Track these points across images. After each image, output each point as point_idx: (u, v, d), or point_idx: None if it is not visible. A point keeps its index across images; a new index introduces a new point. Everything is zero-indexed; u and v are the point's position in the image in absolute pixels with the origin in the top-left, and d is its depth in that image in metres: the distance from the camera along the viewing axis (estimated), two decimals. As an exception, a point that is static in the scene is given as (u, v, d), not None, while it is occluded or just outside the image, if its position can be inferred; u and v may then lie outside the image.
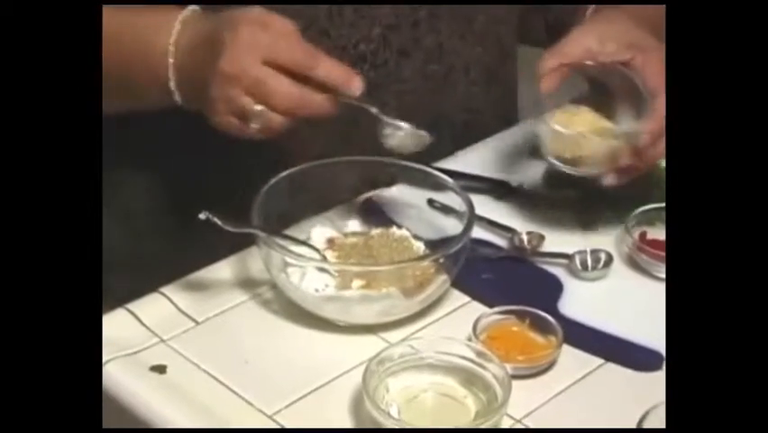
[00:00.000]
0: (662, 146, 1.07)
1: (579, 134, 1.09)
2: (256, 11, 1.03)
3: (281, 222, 1.10)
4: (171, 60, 1.05)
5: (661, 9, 1.13)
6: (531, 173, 1.25)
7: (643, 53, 1.09)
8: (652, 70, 1.08)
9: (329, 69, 1.01)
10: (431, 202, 1.14)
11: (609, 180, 1.10)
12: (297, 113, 1.01)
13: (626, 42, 1.10)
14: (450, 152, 1.28)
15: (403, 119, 1.19)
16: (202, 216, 1.01)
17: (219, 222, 1.01)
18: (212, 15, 1.07)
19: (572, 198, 1.21)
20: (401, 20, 1.21)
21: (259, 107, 1.00)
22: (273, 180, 1.09)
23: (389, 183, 1.18)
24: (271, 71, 1.00)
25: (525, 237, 1.14)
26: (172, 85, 1.06)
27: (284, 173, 1.09)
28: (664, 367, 0.97)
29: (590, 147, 1.09)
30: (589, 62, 1.10)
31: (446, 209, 1.12)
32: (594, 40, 1.11)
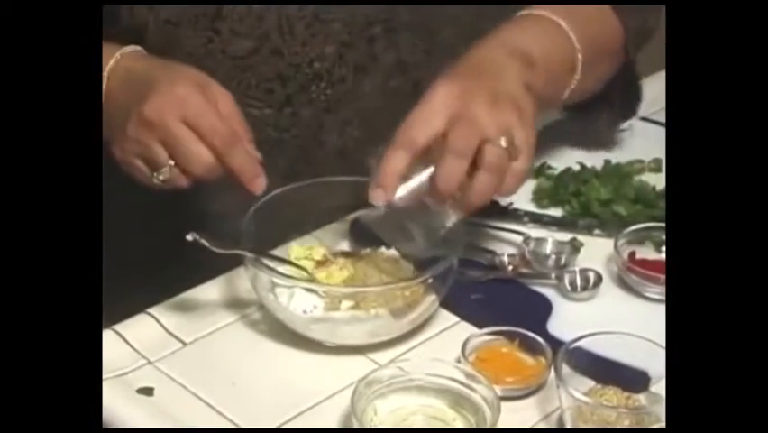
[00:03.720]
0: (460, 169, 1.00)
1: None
2: (200, 75, 1.05)
3: (269, 243, 1.09)
4: (103, 87, 1.06)
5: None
6: (520, 191, 1.24)
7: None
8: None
9: (240, 159, 1.01)
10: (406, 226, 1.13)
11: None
12: (205, 178, 1.02)
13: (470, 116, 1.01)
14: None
15: (368, 136, 1.20)
16: (189, 237, 1.00)
17: (207, 243, 1.01)
18: (153, 59, 1.09)
19: (562, 216, 1.21)
20: (355, 37, 1.20)
21: (169, 162, 1.01)
22: (261, 201, 1.08)
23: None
24: (190, 133, 1.01)
25: (506, 259, 1.14)
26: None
27: (272, 193, 1.09)
28: (651, 387, 0.97)
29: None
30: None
31: (426, 230, 1.09)
32: (443, 119, 1.01)
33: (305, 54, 1.19)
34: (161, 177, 1.02)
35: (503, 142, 1.00)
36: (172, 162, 1.01)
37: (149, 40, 1.15)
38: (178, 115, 1.00)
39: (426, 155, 1.02)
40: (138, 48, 1.10)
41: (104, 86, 1.06)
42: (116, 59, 1.07)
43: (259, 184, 1.03)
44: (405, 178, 1.01)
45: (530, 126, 1.04)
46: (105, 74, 1.07)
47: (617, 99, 1.28)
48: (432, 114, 1.01)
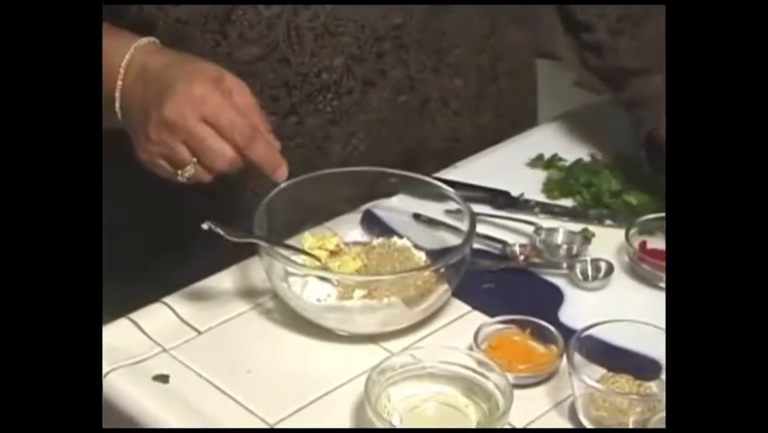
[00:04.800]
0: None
1: None
2: (215, 68, 1.05)
3: (283, 232, 1.10)
4: (120, 83, 1.07)
5: None
6: (531, 182, 1.26)
7: None
8: None
9: (261, 151, 1.03)
10: (417, 216, 1.14)
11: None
12: (228, 172, 1.03)
13: None
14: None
15: (374, 149, 1.20)
16: (205, 226, 1.01)
17: (222, 232, 1.01)
18: (168, 52, 1.09)
19: (573, 207, 1.22)
20: (364, 51, 1.20)
21: (192, 160, 1.02)
22: (275, 191, 1.09)
23: (390, 194, 1.18)
24: (211, 131, 1.02)
25: (517, 249, 1.14)
26: (117, 105, 1.07)
27: (285, 183, 1.10)
28: (662, 375, 0.97)
29: None
30: None
31: (433, 222, 1.13)
32: None
33: (312, 64, 1.19)
34: (186, 175, 1.03)
35: None
36: (195, 160, 1.03)
37: (157, 35, 1.15)
38: (197, 115, 1.01)
39: None
40: (152, 39, 1.10)
41: (119, 79, 1.07)
42: (132, 54, 1.07)
43: (281, 173, 1.04)
44: None
45: None
46: (120, 68, 1.07)
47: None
48: None
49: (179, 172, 1.03)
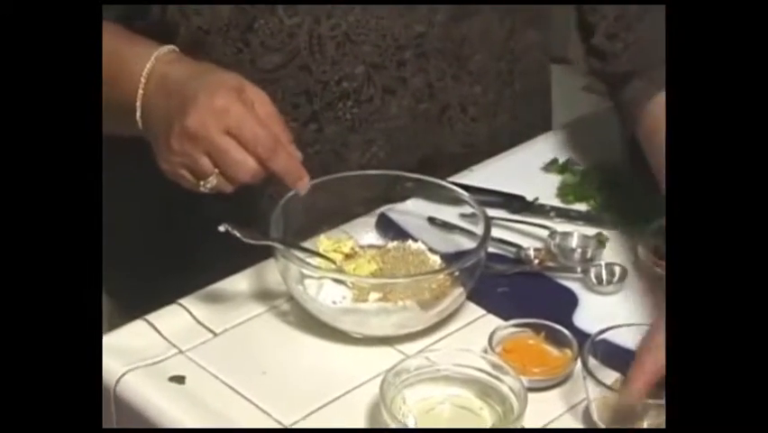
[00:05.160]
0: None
1: None
2: (236, 78, 1.06)
3: (298, 235, 1.11)
4: (141, 92, 1.07)
5: None
6: (546, 187, 1.26)
7: None
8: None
9: (283, 162, 1.03)
10: (432, 220, 1.15)
11: None
12: (251, 183, 1.04)
13: None
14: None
15: (392, 156, 1.21)
16: (222, 228, 1.02)
17: (238, 234, 1.02)
18: (189, 62, 1.09)
19: (588, 211, 1.22)
20: (385, 59, 1.20)
21: (215, 171, 1.03)
22: (290, 194, 1.10)
23: (405, 197, 1.19)
24: (233, 143, 1.02)
25: (531, 253, 1.15)
26: (138, 114, 1.07)
27: (301, 187, 1.10)
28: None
29: None
30: None
31: (447, 226, 1.13)
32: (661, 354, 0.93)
33: (333, 72, 1.19)
34: (208, 186, 1.04)
35: None
36: (217, 171, 1.03)
37: (178, 41, 1.16)
38: (220, 127, 1.02)
39: None
40: (172, 48, 1.10)
41: (140, 88, 1.07)
42: (152, 63, 1.08)
43: (303, 185, 1.05)
44: None
45: None
46: (142, 77, 1.07)
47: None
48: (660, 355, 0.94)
49: (202, 183, 1.04)
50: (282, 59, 1.18)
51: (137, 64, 1.07)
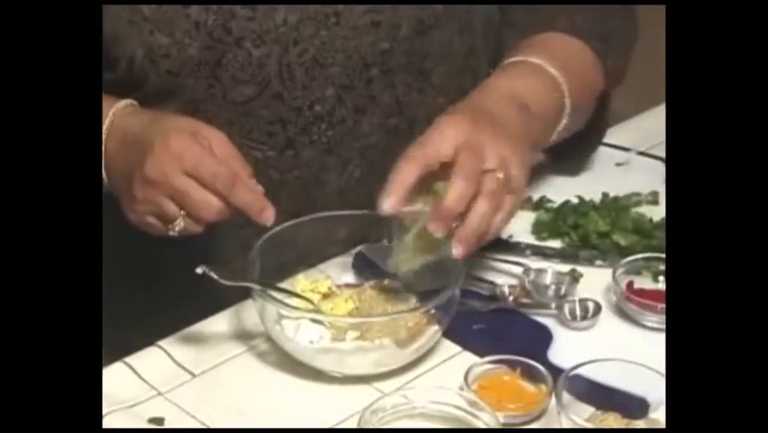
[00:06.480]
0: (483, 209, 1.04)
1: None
2: (191, 122, 1.08)
3: (276, 275, 1.12)
4: (102, 148, 1.10)
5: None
6: (520, 224, 1.27)
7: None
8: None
9: (244, 197, 1.04)
10: None
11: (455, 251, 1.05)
12: (217, 221, 1.05)
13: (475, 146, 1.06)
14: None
15: (368, 174, 1.22)
16: (199, 270, 1.03)
17: (216, 276, 1.03)
18: (146, 113, 1.12)
19: (563, 248, 1.24)
20: (354, 79, 1.22)
21: (181, 213, 1.04)
22: (267, 234, 1.11)
23: (382, 237, 1.20)
24: (193, 183, 1.04)
25: (506, 290, 1.16)
26: (102, 171, 1.10)
27: (278, 227, 1.11)
28: (651, 414, 0.99)
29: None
30: None
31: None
32: (452, 145, 1.05)
33: (305, 98, 1.21)
34: (177, 229, 1.05)
35: (500, 174, 1.04)
36: (183, 213, 1.04)
37: (148, 87, 1.18)
38: (178, 169, 1.03)
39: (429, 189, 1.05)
40: (130, 102, 1.13)
41: (102, 144, 1.10)
42: (111, 120, 1.11)
43: (267, 216, 1.05)
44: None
45: (525, 166, 1.09)
46: (102, 134, 1.10)
47: (584, 130, 1.31)
48: (443, 138, 1.06)
49: (170, 227, 1.05)
50: (254, 90, 1.19)
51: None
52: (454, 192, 1.03)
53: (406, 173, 1.04)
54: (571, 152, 1.33)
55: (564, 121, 1.20)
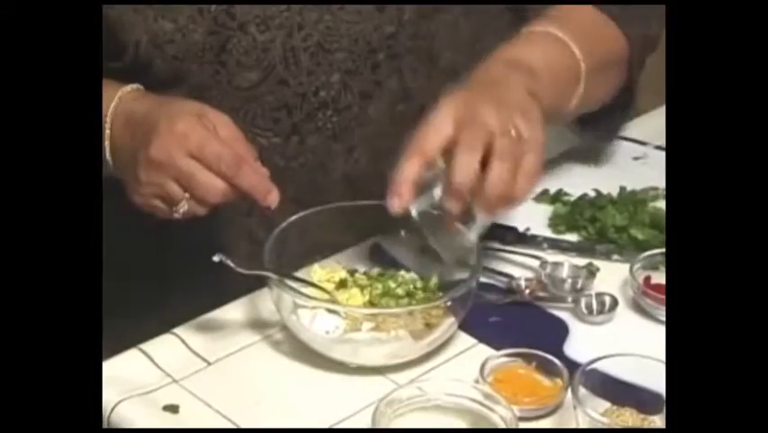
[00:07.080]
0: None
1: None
2: (196, 105, 1.08)
3: (292, 264, 1.12)
4: (108, 132, 1.10)
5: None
6: (537, 217, 1.27)
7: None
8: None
9: (249, 179, 1.04)
10: (424, 250, 1.14)
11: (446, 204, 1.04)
12: (222, 203, 1.05)
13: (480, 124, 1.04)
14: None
15: (374, 161, 1.22)
16: (216, 258, 1.03)
17: (232, 264, 1.03)
18: (152, 97, 1.11)
19: (580, 241, 1.24)
20: (359, 64, 1.21)
21: (185, 196, 1.04)
22: (284, 224, 1.11)
23: (398, 227, 1.20)
24: (198, 166, 1.03)
25: (523, 283, 1.16)
26: (107, 154, 1.10)
27: (295, 217, 1.11)
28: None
29: None
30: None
31: (440, 257, 1.12)
32: (450, 125, 1.04)
33: (310, 83, 1.21)
34: (181, 211, 1.05)
35: (511, 134, 1.03)
36: (188, 195, 1.04)
37: (154, 74, 1.17)
38: (183, 151, 1.03)
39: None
40: (136, 86, 1.13)
41: (107, 128, 1.10)
42: (116, 103, 1.10)
43: (272, 199, 1.05)
44: (421, 190, 1.04)
45: (537, 123, 1.06)
46: (107, 117, 1.10)
47: (602, 116, 1.29)
48: (440, 122, 1.05)
49: (174, 209, 1.05)
50: (259, 75, 1.19)
51: (103, 106, 1.10)
52: (457, 166, 1.01)
53: (408, 170, 1.03)
54: (603, 118, 1.30)
55: (581, 86, 1.18)
